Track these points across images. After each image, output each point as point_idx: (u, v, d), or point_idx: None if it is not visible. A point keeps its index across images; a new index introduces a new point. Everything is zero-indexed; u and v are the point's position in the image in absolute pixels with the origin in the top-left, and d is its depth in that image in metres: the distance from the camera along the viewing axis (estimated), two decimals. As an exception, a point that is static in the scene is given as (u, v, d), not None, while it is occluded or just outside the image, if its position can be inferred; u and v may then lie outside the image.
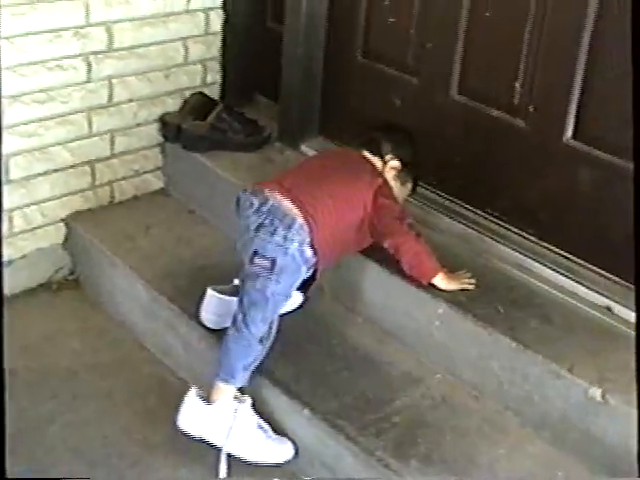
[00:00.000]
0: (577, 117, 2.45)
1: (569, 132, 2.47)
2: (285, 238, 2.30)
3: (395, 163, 2.55)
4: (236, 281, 2.56)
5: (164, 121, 3.14)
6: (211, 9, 3.16)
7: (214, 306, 2.55)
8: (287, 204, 2.33)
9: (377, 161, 2.55)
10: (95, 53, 2.88)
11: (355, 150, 2.58)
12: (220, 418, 2.34)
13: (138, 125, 3.11)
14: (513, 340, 2.30)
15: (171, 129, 3.12)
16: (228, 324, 2.52)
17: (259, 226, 2.32)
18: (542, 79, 2.50)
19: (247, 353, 2.34)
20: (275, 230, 2.30)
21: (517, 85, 2.55)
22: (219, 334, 2.52)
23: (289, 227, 2.30)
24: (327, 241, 2.36)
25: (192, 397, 2.37)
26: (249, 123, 3.15)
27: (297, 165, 2.69)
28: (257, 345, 2.34)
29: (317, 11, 2.98)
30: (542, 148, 2.54)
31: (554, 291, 2.50)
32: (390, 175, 2.54)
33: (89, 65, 2.87)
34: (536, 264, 2.57)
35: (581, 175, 2.48)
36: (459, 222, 2.75)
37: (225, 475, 2.32)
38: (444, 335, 2.45)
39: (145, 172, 3.22)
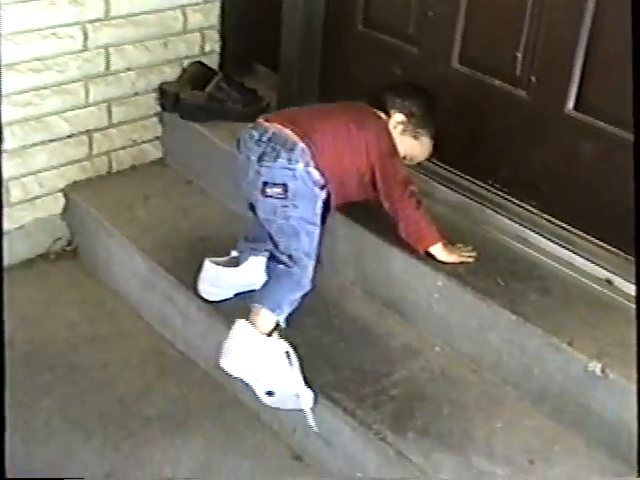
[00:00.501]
0: (579, 88, 2.41)
1: (571, 103, 2.43)
2: (289, 160, 2.27)
3: (400, 117, 2.49)
4: (234, 253, 2.55)
5: (162, 90, 3.11)
6: (210, -24, 3.12)
7: (212, 278, 2.53)
8: (287, 131, 2.31)
9: (384, 116, 2.49)
10: (92, 21, 2.83)
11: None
12: (270, 356, 2.25)
13: (136, 94, 3.08)
14: (512, 313, 2.28)
15: (169, 98, 3.08)
16: (227, 295, 2.53)
17: (262, 155, 2.29)
18: (544, 49, 2.46)
19: (295, 289, 2.32)
20: (278, 154, 2.27)
21: (519, 55, 2.51)
22: (218, 306, 2.53)
23: (291, 150, 2.27)
24: (331, 170, 2.34)
25: (243, 325, 2.25)
26: (248, 93, 3.11)
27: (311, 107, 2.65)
28: (306, 283, 2.32)
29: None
30: (544, 119, 2.51)
31: (554, 263, 2.47)
32: (397, 131, 2.49)
33: (85, 33, 2.83)
34: (536, 236, 2.54)
35: (583, 146, 2.45)
36: (459, 192, 2.72)
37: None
38: (443, 307, 2.43)
39: (143, 142, 3.19)
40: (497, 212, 2.63)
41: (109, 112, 3.03)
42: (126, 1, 2.90)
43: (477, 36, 2.61)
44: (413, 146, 2.53)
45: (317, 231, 2.35)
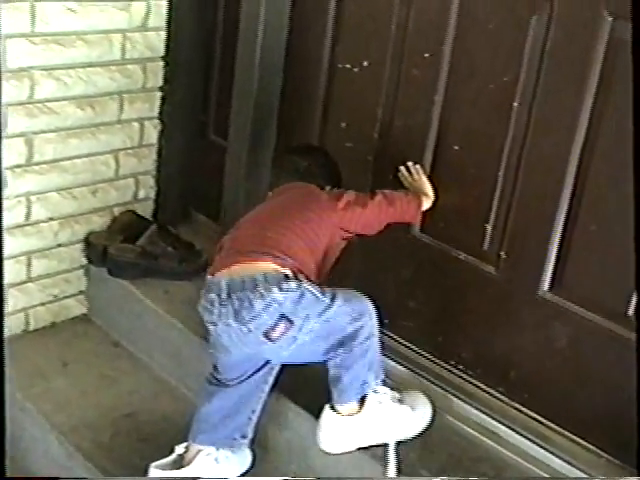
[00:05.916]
0: (555, 268, 2.18)
1: (546, 284, 2.20)
2: (262, 296, 1.96)
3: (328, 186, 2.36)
4: (177, 449, 2.22)
5: (89, 242, 2.80)
6: (146, 119, 2.85)
7: None
8: (240, 271, 2.01)
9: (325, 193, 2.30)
10: (11, 167, 2.54)
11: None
12: (370, 420, 2.14)
13: (59, 246, 2.77)
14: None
15: (96, 251, 2.77)
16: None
17: (236, 313, 1.98)
18: (517, 223, 2.23)
19: (372, 353, 2.14)
20: (250, 301, 1.96)
21: (488, 227, 2.28)
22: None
23: (255, 287, 1.96)
24: (306, 263, 2.09)
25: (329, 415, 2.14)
26: (184, 247, 2.81)
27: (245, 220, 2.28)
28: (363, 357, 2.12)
29: (264, 128, 2.70)
30: (514, 299, 2.27)
31: (528, 464, 2.20)
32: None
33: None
34: (505, 429, 2.27)
35: (557, 331, 2.21)
36: (418, 373, 2.44)
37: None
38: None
39: (65, 297, 2.86)
40: (461, 399, 2.35)
41: (28, 265, 2.71)
42: (52, 146, 2.61)
43: (441, 204, 2.36)
44: None
45: (336, 318, 2.06)
